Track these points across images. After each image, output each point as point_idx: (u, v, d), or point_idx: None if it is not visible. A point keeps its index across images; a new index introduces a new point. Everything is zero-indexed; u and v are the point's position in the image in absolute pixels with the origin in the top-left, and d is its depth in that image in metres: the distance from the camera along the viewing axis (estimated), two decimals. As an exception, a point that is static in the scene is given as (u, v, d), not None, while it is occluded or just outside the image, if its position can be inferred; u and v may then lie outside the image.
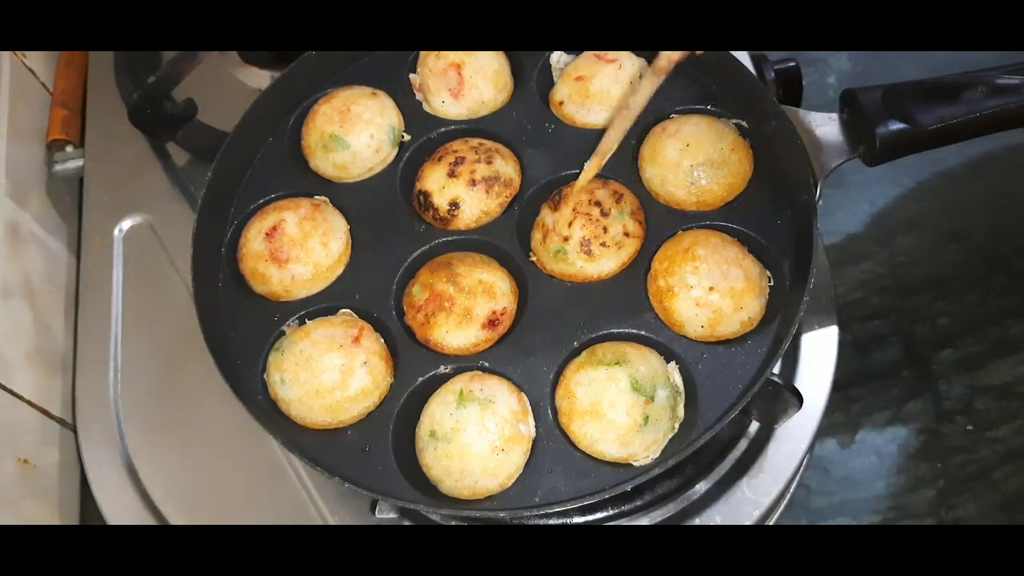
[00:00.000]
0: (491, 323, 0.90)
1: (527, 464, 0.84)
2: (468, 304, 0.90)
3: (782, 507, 1.04)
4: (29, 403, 1.06)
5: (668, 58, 0.82)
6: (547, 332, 0.90)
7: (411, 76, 1.08)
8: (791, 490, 1.05)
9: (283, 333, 0.93)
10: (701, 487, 0.97)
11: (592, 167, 0.93)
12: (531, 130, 1.02)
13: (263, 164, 1.05)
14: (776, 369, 0.97)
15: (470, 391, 0.85)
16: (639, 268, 0.92)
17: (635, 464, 0.84)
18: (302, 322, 0.93)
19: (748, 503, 0.95)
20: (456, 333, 0.90)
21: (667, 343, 0.88)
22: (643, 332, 0.89)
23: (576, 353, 0.88)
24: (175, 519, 1.00)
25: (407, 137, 1.05)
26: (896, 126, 0.93)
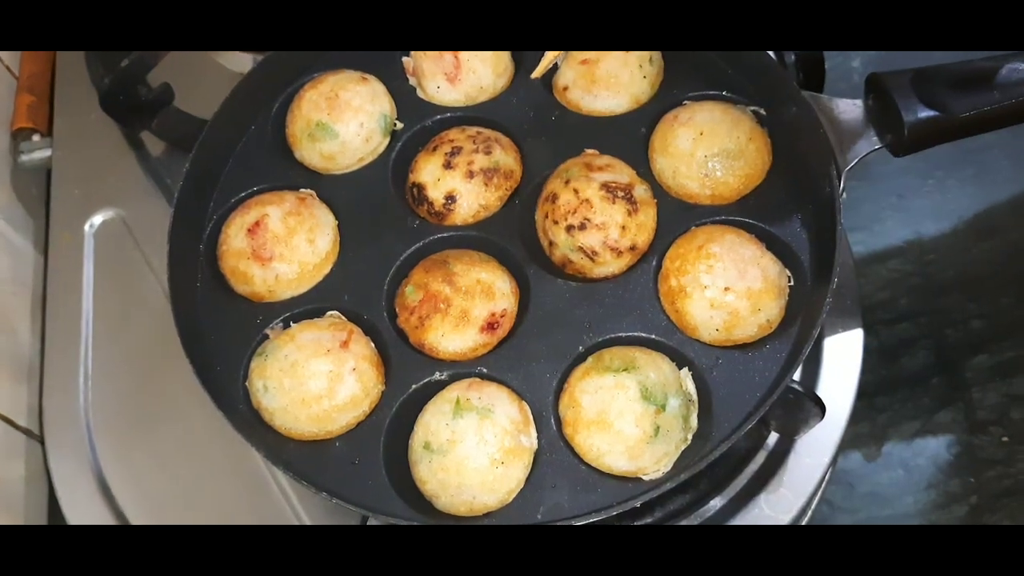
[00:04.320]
0: (490, 326, 0.90)
1: (528, 478, 0.85)
2: (465, 305, 0.90)
3: (803, 525, 1.04)
4: (-7, 412, 1.06)
5: None
6: (550, 336, 0.90)
7: (404, 59, 1.08)
8: (813, 506, 1.05)
9: (266, 337, 0.93)
10: (716, 503, 0.97)
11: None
12: (533, 118, 1.02)
13: (245, 154, 1.05)
14: (796, 376, 0.98)
15: (467, 399, 0.85)
16: (649, 267, 0.92)
17: (645, 478, 0.84)
18: (287, 325, 0.94)
19: (766, 520, 0.96)
20: (452, 337, 0.90)
21: (679, 347, 0.88)
22: (653, 336, 0.89)
23: (581, 359, 0.89)
24: (150, 537, 1.00)
25: (400, 125, 1.05)
26: (926, 113, 0.93)
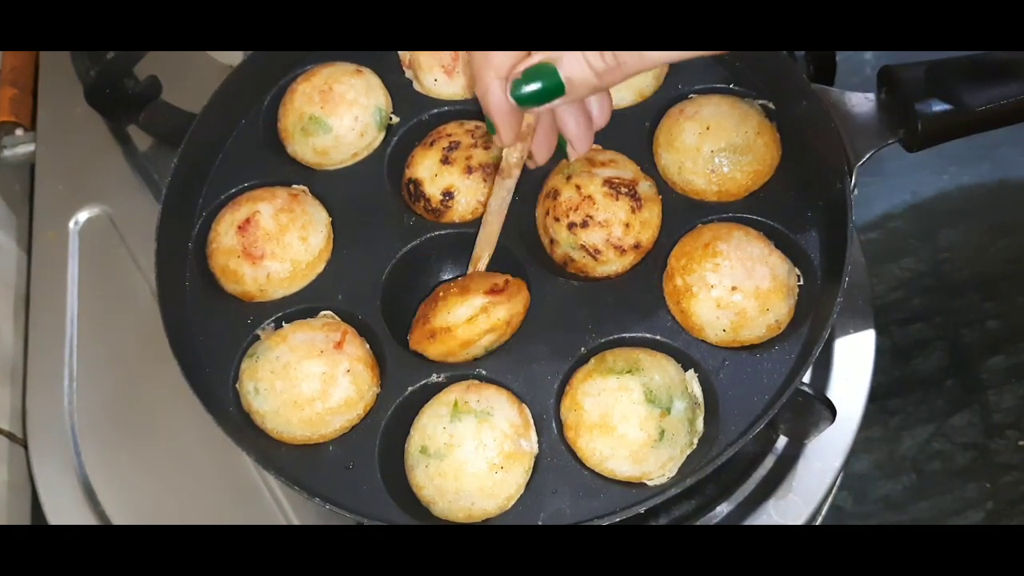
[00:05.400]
0: (494, 291, 0.88)
1: (529, 484, 0.84)
2: (464, 284, 0.90)
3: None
4: (-26, 416, 1.06)
5: (507, 159, 0.82)
6: (551, 337, 0.90)
7: (400, 51, 1.08)
8: (823, 512, 1.05)
9: (257, 338, 0.93)
10: (723, 509, 0.97)
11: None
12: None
13: (235, 149, 1.05)
14: (806, 378, 0.97)
15: (465, 402, 0.85)
16: (653, 265, 0.92)
17: (649, 483, 0.84)
18: (279, 325, 0.93)
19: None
20: (458, 308, 0.87)
21: (685, 349, 0.88)
22: (658, 336, 0.89)
23: (583, 360, 0.89)
24: (137, 544, 1.00)
25: (395, 119, 1.05)
26: (941, 107, 0.93)
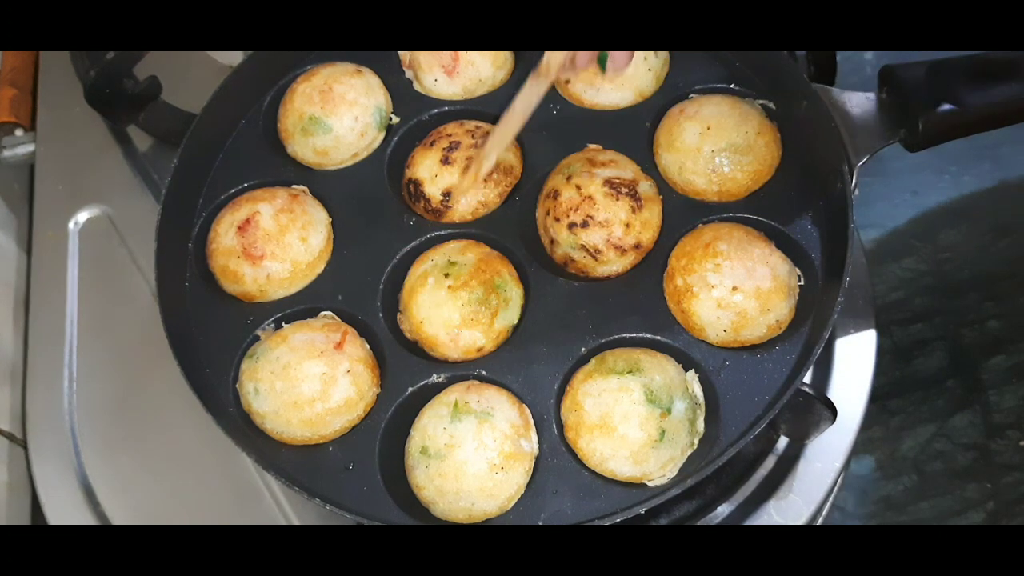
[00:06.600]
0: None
1: (529, 484, 0.84)
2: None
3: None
4: (-26, 416, 1.06)
5: (548, 60, 0.79)
6: (551, 337, 0.90)
7: (400, 51, 1.08)
8: (823, 513, 1.05)
9: (257, 338, 0.93)
10: (723, 510, 0.97)
11: (471, 176, 0.93)
12: (534, 111, 1.02)
13: (235, 149, 1.05)
14: (807, 378, 0.98)
15: (466, 403, 0.85)
16: (654, 266, 0.92)
17: (650, 484, 0.84)
18: (279, 326, 0.94)
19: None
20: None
21: (685, 349, 0.88)
22: (659, 337, 0.89)
23: (584, 360, 0.89)
24: (137, 545, 1.00)
25: (395, 119, 1.05)
26: (941, 107, 0.93)
